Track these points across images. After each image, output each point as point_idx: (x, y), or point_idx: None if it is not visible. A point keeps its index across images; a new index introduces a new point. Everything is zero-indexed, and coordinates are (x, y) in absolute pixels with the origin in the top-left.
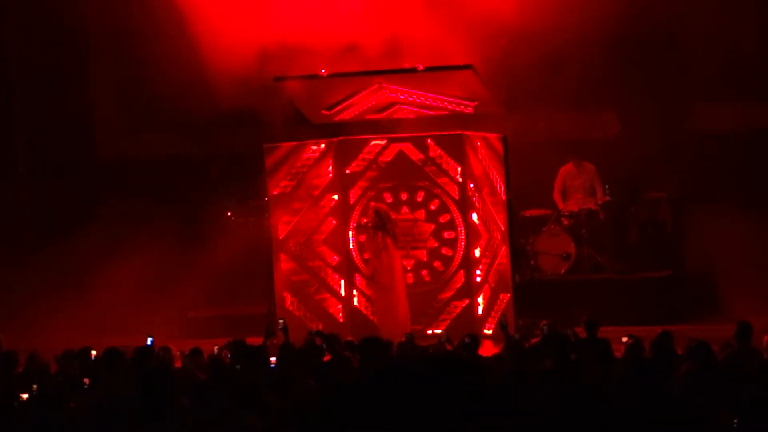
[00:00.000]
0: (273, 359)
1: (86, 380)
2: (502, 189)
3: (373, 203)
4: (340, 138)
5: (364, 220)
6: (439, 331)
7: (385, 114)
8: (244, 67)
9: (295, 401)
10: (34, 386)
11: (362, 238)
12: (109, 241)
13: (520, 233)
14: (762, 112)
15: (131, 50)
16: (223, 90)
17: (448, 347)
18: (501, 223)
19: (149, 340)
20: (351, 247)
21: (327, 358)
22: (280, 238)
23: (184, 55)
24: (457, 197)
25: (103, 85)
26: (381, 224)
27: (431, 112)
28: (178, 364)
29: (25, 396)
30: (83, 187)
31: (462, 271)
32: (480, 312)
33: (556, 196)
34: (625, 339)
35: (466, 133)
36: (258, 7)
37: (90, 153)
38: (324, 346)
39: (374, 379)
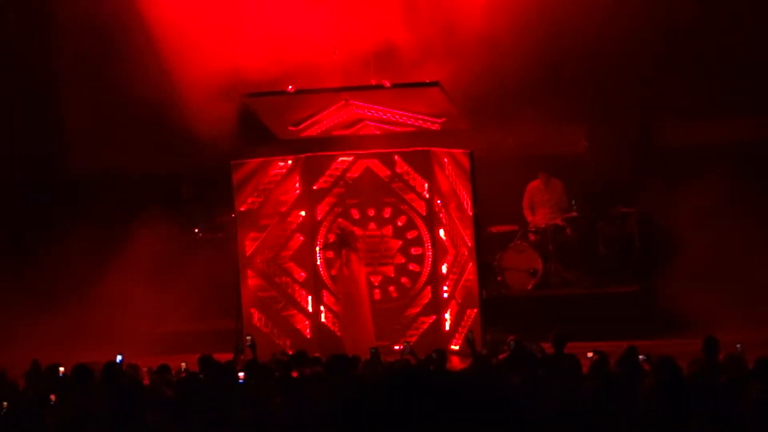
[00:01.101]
0: (241, 375)
1: (52, 397)
2: (469, 205)
3: (339, 220)
4: (308, 154)
5: (332, 239)
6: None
7: (352, 130)
8: (211, 82)
9: (264, 418)
10: (5, 403)
11: (329, 254)
12: (77, 257)
13: (487, 249)
14: (729, 126)
15: (102, 67)
16: (190, 105)
17: (412, 360)
18: (468, 238)
19: (119, 358)
20: (318, 263)
21: (294, 374)
22: (248, 254)
23: (154, 72)
24: (424, 213)
25: (73, 102)
26: (343, 241)
27: (398, 129)
28: (146, 381)
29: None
30: (51, 203)
31: (429, 286)
32: (447, 328)
33: (526, 213)
34: (590, 354)
35: (433, 149)
36: (227, 24)
37: (59, 169)
38: (290, 363)
39: (341, 398)
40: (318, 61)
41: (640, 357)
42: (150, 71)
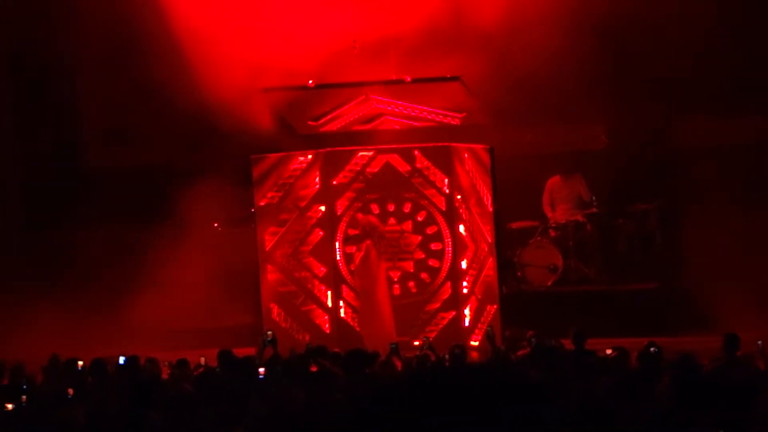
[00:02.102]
0: (262, 370)
1: (70, 391)
2: (489, 200)
3: (360, 215)
4: (328, 149)
5: (354, 233)
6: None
7: (371, 125)
8: (232, 77)
9: (285, 414)
10: (23, 397)
11: (349, 249)
12: (96, 252)
13: (507, 245)
14: (751, 124)
15: (120, 60)
16: (210, 100)
17: (431, 356)
18: (488, 234)
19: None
20: (338, 258)
21: (313, 369)
22: (267, 249)
23: (173, 66)
24: (444, 209)
25: (91, 95)
26: (365, 235)
27: (418, 124)
28: (164, 376)
29: (9, 406)
30: (68, 198)
31: (449, 282)
32: (467, 323)
33: (546, 209)
34: (609, 351)
35: (454, 144)
36: (246, 17)
37: (76, 163)
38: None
39: (360, 394)
40: (338, 56)
41: (651, 349)
42: (170, 65)
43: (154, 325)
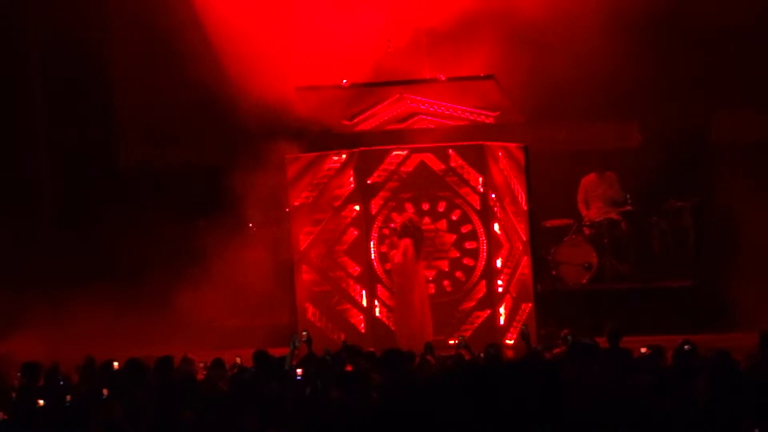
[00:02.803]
0: (299, 371)
1: (105, 391)
2: (524, 199)
3: (406, 215)
4: (362, 148)
5: (391, 225)
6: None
7: (405, 124)
8: (266, 76)
9: (320, 413)
10: (66, 396)
11: (384, 248)
12: (132, 251)
13: (542, 243)
14: None
15: (154, 60)
16: (245, 100)
17: (466, 355)
18: (522, 233)
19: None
20: (373, 257)
21: (348, 368)
22: (302, 248)
23: (208, 65)
24: (478, 207)
25: (126, 95)
26: (409, 233)
27: (452, 122)
28: (200, 376)
29: (41, 402)
30: (105, 197)
31: (484, 281)
32: (502, 322)
33: (581, 207)
34: (644, 350)
35: (487, 143)
36: (281, 16)
37: (113, 163)
38: (345, 357)
39: (396, 396)
40: (372, 55)
41: (686, 347)
42: (204, 64)
43: (189, 325)
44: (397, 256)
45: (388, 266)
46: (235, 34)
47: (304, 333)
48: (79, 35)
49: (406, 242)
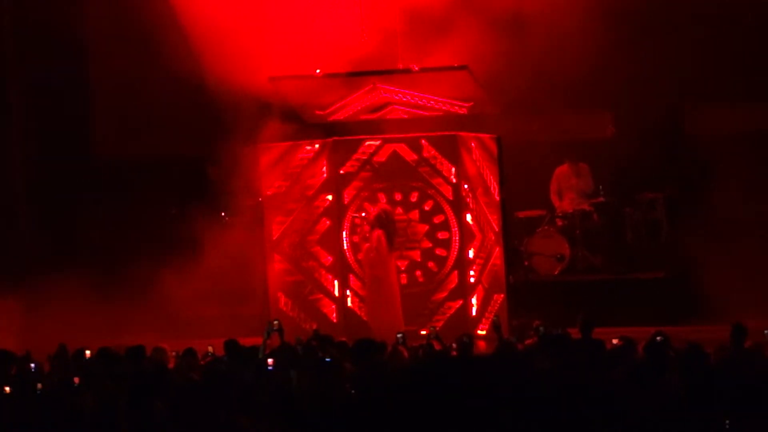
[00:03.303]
0: (270, 361)
1: (76, 379)
2: (496, 190)
3: (379, 205)
4: (335, 138)
5: (363, 215)
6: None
7: (379, 114)
8: (239, 66)
9: (291, 403)
10: (39, 385)
11: (356, 238)
12: (106, 240)
13: (514, 234)
14: (760, 112)
15: (128, 50)
16: (218, 89)
17: (437, 345)
18: (495, 223)
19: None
20: (345, 247)
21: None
22: (274, 238)
23: (181, 54)
24: (451, 198)
25: (100, 85)
26: (383, 224)
27: (425, 113)
28: (171, 365)
29: (7, 389)
30: (79, 188)
31: (456, 271)
32: (474, 313)
33: (553, 198)
34: (615, 341)
35: (461, 133)
36: (255, 6)
37: (87, 151)
38: (317, 346)
39: (368, 386)
40: (346, 45)
41: (658, 339)
42: (178, 54)
43: (161, 314)
44: (369, 246)
45: (360, 256)
46: (211, 23)
47: (276, 322)
48: (55, 24)
49: (379, 233)
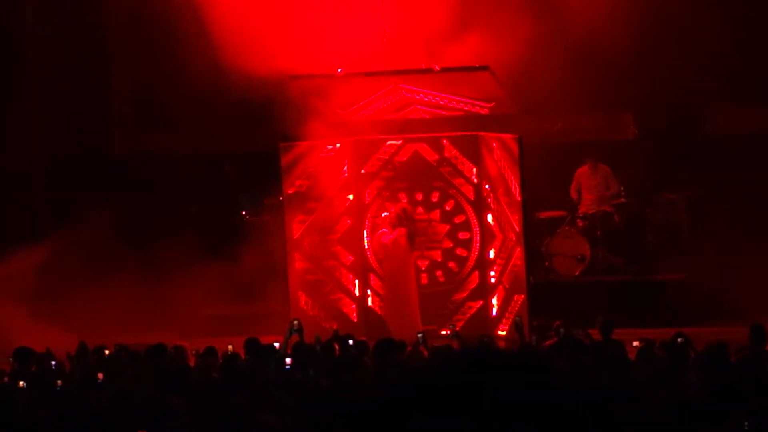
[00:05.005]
0: (288, 360)
1: (100, 375)
2: (517, 190)
3: (400, 204)
4: (356, 138)
5: (392, 215)
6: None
7: (400, 114)
8: (260, 65)
9: (310, 401)
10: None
11: (374, 244)
12: (124, 238)
13: (535, 234)
14: None
15: (148, 48)
16: (239, 88)
17: (455, 345)
18: (516, 224)
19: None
20: (366, 246)
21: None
22: (295, 237)
23: (201, 53)
24: (472, 198)
25: (120, 83)
26: (404, 222)
27: (447, 113)
28: (192, 363)
29: (21, 383)
30: (97, 185)
31: (476, 272)
32: (494, 313)
33: (574, 196)
34: (636, 343)
35: (482, 134)
36: (275, 5)
37: (105, 150)
38: (336, 346)
39: (387, 382)
40: (368, 44)
41: (678, 340)
42: (200, 53)
43: (182, 312)
44: (388, 240)
45: (381, 256)
46: (232, 21)
47: (295, 322)
48: (76, 20)
49: (400, 231)
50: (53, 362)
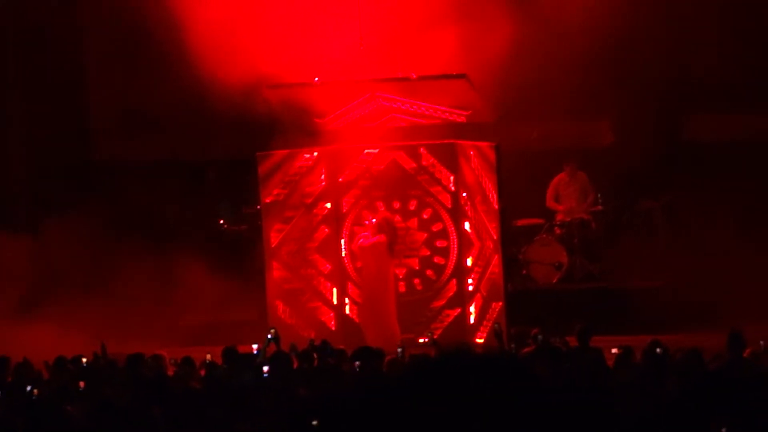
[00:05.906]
0: (266, 368)
1: (81, 384)
2: (495, 198)
3: (381, 213)
4: (333, 146)
5: (374, 223)
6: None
7: (377, 122)
8: (237, 73)
9: (288, 410)
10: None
11: (354, 247)
12: (101, 246)
13: (513, 242)
14: (758, 121)
15: (128, 54)
16: (217, 96)
17: (432, 353)
18: (493, 232)
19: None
20: (343, 255)
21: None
22: (273, 246)
23: (181, 60)
24: (449, 206)
25: (100, 89)
26: (385, 230)
27: (424, 121)
28: (170, 372)
29: None
30: (77, 190)
31: (454, 279)
32: (472, 321)
33: (551, 204)
34: (614, 350)
35: (459, 142)
36: (253, 14)
37: (85, 156)
38: (315, 355)
39: (370, 391)
40: (345, 53)
41: (657, 350)
42: (177, 62)
43: (159, 322)
44: (367, 242)
45: (359, 264)
46: (210, 29)
47: (272, 331)
48: (54, 29)
49: (380, 238)
50: (29, 372)
